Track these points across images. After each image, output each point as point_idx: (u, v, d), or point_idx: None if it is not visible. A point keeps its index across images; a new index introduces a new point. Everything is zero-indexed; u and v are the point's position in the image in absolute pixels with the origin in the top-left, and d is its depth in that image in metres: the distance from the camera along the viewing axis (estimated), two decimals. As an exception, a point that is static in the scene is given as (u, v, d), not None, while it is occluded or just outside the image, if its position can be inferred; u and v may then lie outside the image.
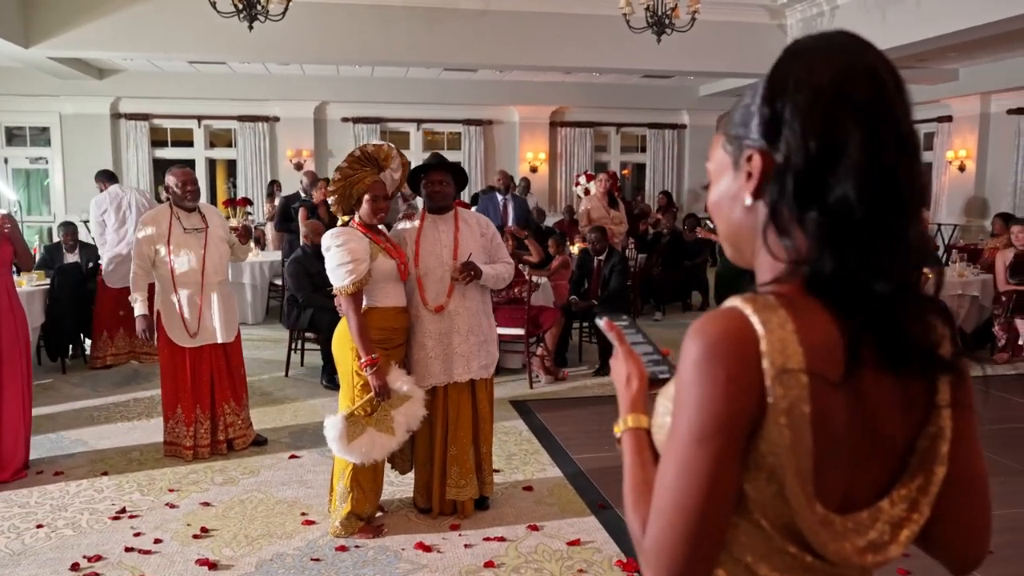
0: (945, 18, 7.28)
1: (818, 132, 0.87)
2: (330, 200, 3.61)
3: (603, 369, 6.59)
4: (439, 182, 3.72)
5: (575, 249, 8.42)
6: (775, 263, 0.91)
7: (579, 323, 7.11)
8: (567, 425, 5.26)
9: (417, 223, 3.76)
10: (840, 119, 0.86)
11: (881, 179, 0.86)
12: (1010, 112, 11.71)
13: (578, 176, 10.91)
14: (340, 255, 3.42)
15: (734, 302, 0.89)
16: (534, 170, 13.61)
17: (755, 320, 0.86)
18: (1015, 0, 6.54)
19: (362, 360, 3.43)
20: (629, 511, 0.98)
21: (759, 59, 9.73)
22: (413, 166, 3.81)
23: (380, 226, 3.66)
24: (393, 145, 3.70)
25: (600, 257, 6.98)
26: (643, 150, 14.61)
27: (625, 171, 14.37)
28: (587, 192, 9.81)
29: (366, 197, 3.52)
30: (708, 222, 12.30)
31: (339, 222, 3.66)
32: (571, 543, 3.54)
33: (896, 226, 0.87)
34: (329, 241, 3.49)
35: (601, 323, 1.21)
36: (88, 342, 6.96)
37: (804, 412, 0.84)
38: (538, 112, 13.72)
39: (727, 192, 0.99)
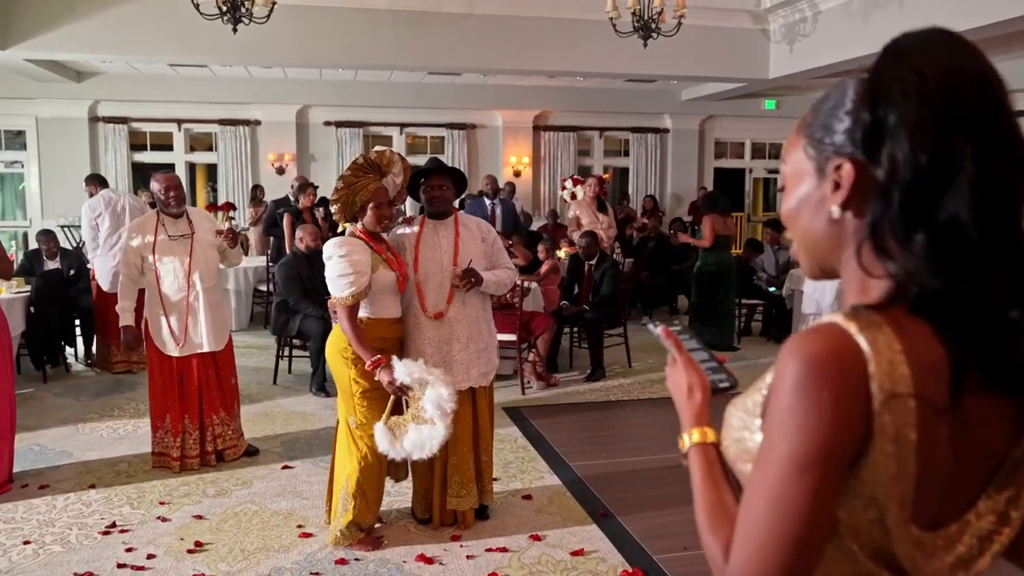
0: (928, 23, 7.32)
1: (929, 146, 0.81)
2: (333, 208, 3.54)
3: (596, 373, 6.57)
4: (439, 187, 3.67)
5: (562, 254, 8.40)
6: (866, 279, 0.87)
7: (570, 328, 7.08)
8: (562, 431, 5.22)
9: (417, 228, 3.71)
10: (953, 132, 0.80)
11: (996, 196, 0.81)
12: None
13: (564, 180, 10.89)
14: (342, 266, 3.37)
15: (835, 319, 0.83)
16: (517, 174, 13.58)
17: (861, 339, 0.80)
18: (997, 7, 6.62)
19: (368, 364, 3.36)
20: (705, 532, 0.93)
21: (743, 64, 9.81)
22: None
23: (383, 233, 3.62)
24: (395, 150, 3.65)
25: (591, 262, 6.96)
26: (626, 154, 14.63)
27: (606, 175, 14.37)
28: (573, 196, 9.79)
29: (370, 205, 3.47)
30: (691, 226, 12.33)
31: (340, 229, 3.60)
32: (575, 553, 3.49)
33: (1011, 246, 0.82)
34: (332, 250, 3.43)
35: (657, 331, 1.15)
36: (71, 350, 6.81)
37: (911, 439, 0.80)
38: (521, 116, 13.69)
39: (807, 200, 0.92)
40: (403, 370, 3.36)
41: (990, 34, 7.17)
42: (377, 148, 3.61)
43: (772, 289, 8.33)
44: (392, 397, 3.41)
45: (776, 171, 15.52)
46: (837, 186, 0.88)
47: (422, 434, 3.32)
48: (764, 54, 9.81)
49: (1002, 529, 0.89)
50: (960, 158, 0.80)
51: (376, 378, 3.38)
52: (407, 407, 3.40)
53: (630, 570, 3.35)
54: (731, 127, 14.79)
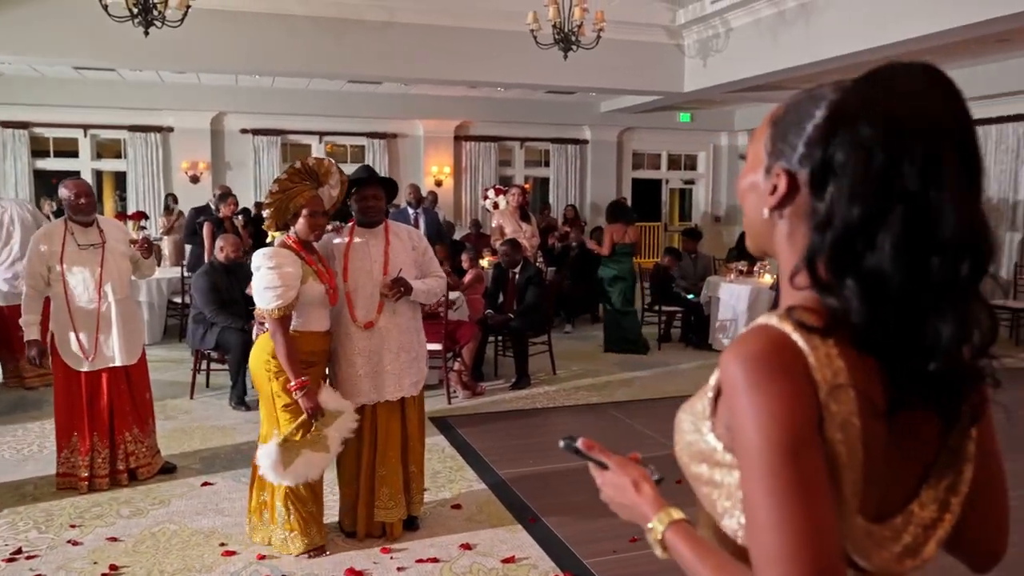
0: (833, 42, 7.71)
1: (865, 201, 0.84)
2: (265, 213, 3.45)
3: (521, 382, 6.60)
4: (372, 196, 3.62)
5: (485, 263, 8.42)
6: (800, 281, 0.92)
7: (495, 337, 7.10)
8: (489, 440, 5.23)
9: (346, 238, 3.65)
10: (888, 193, 0.84)
11: (920, 252, 0.84)
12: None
13: (486, 190, 10.94)
14: (271, 278, 3.28)
15: (769, 320, 0.87)
16: (439, 184, 13.56)
17: (797, 337, 0.84)
18: (898, 27, 7.01)
19: (291, 384, 3.30)
20: None
21: (659, 77, 10.08)
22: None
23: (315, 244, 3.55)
24: (333, 161, 3.60)
25: (515, 270, 6.99)
26: (547, 164, 14.80)
27: (528, 185, 14.51)
28: (496, 207, 9.84)
29: (304, 212, 3.39)
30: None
31: (269, 237, 3.51)
32: (506, 560, 3.50)
33: (942, 303, 0.85)
34: (261, 261, 3.33)
35: (577, 444, 1.13)
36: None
37: (856, 425, 0.83)
38: (442, 126, 13.69)
39: (754, 187, 0.99)
40: (327, 398, 3.37)
41: (897, 52, 7.60)
42: (316, 156, 3.56)
43: (690, 296, 8.55)
44: (301, 419, 3.35)
45: (691, 182, 15.98)
46: (774, 189, 0.94)
47: (310, 462, 3.36)
48: (679, 68, 10.10)
49: (944, 516, 0.94)
50: (887, 217, 0.84)
51: (296, 398, 3.31)
52: (308, 432, 3.36)
53: (561, 575, 3.37)
54: (648, 139, 15.16)
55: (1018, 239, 10.56)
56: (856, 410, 0.84)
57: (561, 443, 1.17)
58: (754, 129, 1.04)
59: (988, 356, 0.91)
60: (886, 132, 0.84)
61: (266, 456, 3.33)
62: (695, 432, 0.97)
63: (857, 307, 0.85)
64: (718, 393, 0.94)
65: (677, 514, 1.00)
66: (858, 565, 0.90)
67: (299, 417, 3.36)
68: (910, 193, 0.84)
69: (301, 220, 3.41)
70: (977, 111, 8.16)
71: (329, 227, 3.73)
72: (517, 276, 6.95)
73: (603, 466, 1.11)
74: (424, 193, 10.95)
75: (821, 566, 0.79)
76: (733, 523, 0.92)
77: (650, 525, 1.01)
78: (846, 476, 0.84)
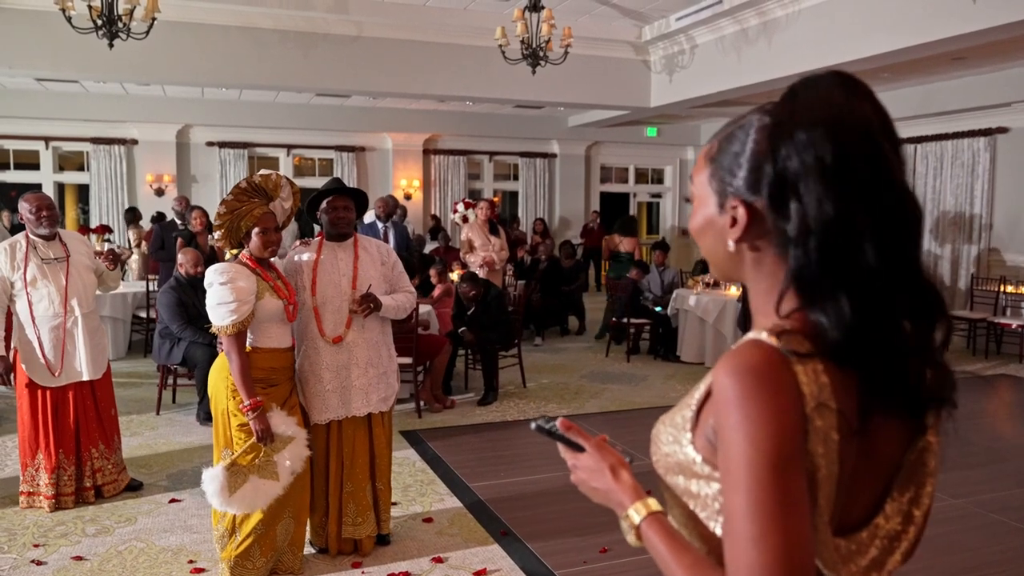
0: (794, 59, 7.89)
1: (833, 201, 0.87)
2: (216, 235, 3.40)
3: (488, 396, 6.61)
4: (343, 208, 3.59)
5: (455, 276, 8.43)
6: (775, 301, 0.93)
7: (464, 351, 7.10)
8: (460, 453, 5.23)
9: (314, 253, 3.64)
10: (849, 187, 0.87)
11: (896, 240, 0.88)
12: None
13: (456, 204, 10.96)
14: (223, 293, 3.22)
15: (759, 336, 0.89)
16: (408, 197, 13.55)
17: (787, 352, 0.86)
18: (857, 45, 7.20)
19: (244, 404, 3.23)
20: None
21: (626, 92, 10.21)
22: (311, 192, 3.69)
23: (272, 259, 3.50)
24: (282, 174, 3.56)
25: (474, 304, 6.89)
26: (516, 178, 14.88)
27: (496, 198, 14.58)
28: (465, 220, 9.86)
29: (255, 230, 3.34)
30: (583, 248, 12.61)
31: (227, 257, 3.46)
32: (477, 573, 3.50)
33: (914, 285, 0.89)
34: (213, 277, 3.27)
35: (554, 424, 1.12)
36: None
37: (835, 440, 0.85)
38: (411, 139, 13.70)
39: (712, 224, 1.01)
40: (279, 422, 3.29)
41: (857, 69, 7.80)
42: (263, 171, 3.51)
43: (658, 308, 8.64)
44: (251, 441, 3.28)
45: (658, 195, 16.16)
46: (734, 222, 0.96)
47: (258, 490, 3.26)
48: (646, 84, 10.24)
49: (908, 528, 0.97)
50: (858, 210, 0.88)
51: (248, 419, 3.24)
52: (257, 456, 3.29)
53: (533, 587, 3.39)
54: (616, 153, 15.31)
55: (974, 252, 10.83)
56: (835, 425, 0.86)
57: (533, 425, 1.15)
58: (693, 169, 1.06)
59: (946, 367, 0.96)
60: (826, 131, 0.88)
61: (211, 480, 3.22)
62: (674, 444, 0.98)
63: (847, 315, 0.87)
64: (702, 405, 0.95)
65: (655, 505, 1.01)
66: None
67: (251, 439, 3.29)
68: (867, 181, 0.88)
69: (253, 238, 3.35)
70: (933, 127, 8.45)
71: (297, 242, 3.70)
72: (479, 304, 6.90)
73: (578, 448, 1.10)
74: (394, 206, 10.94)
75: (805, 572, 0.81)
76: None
77: (627, 513, 1.02)
78: (823, 490, 0.86)
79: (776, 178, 0.90)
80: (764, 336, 0.88)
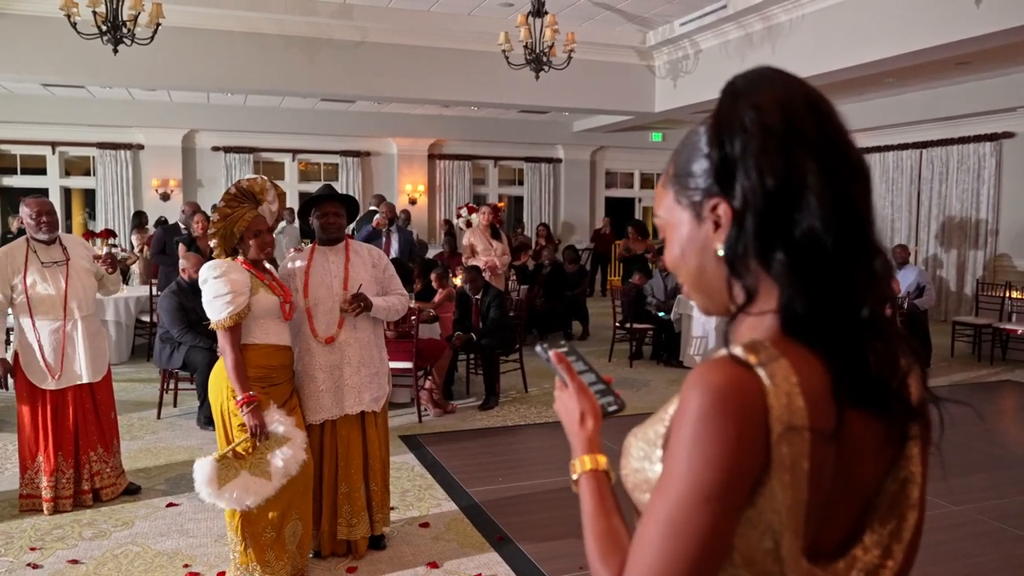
0: (798, 64, 7.87)
1: (775, 169, 0.85)
2: (212, 243, 3.45)
3: (490, 401, 6.60)
4: (333, 213, 3.66)
5: (458, 281, 8.43)
6: (756, 318, 0.90)
7: (466, 355, 7.10)
8: (459, 458, 5.22)
9: (307, 258, 3.68)
10: (795, 153, 0.86)
11: (843, 207, 0.86)
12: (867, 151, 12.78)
13: (460, 208, 10.98)
14: (218, 286, 3.28)
15: (735, 351, 0.85)
16: (413, 202, 13.59)
17: (761, 372, 0.82)
18: (861, 50, 7.18)
19: (238, 398, 3.25)
20: (595, 560, 0.94)
21: (630, 97, 10.21)
22: (296, 197, 3.71)
23: (267, 265, 3.56)
24: (266, 177, 3.60)
25: (477, 296, 6.97)
26: (520, 183, 14.90)
27: (501, 203, 14.60)
28: (468, 224, 9.88)
29: (250, 235, 3.40)
30: (591, 253, 12.62)
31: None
32: (472, 578, 3.50)
33: (863, 254, 0.87)
34: (207, 273, 3.34)
35: (548, 354, 1.14)
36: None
37: (804, 469, 0.82)
38: (416, 144, 13.74)
39: (691, 243, 0.95)
40: (275, 420, 3.30)
41: (862, 74, 7.79)
42: (248, 176, 3.56)
43: (661, 314, 8.62)
44: (246, 436, 3.28)
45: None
46: (717, 226, 0.91)
47: (248, 486, 3.23)
48: (650, 89, 10.24)
49: (886, 562, 0.93)
50: (804, 176, 0.86)
51: (242, 414, 3.26)
52: (249, 452, 3.29)
53: (527, 593, 3.37)
54: (621, 158, 15.32)
55: (980, 257, 10.77)
56: (807, 452, 0.83)
57: (537, 348, 1.20)
58: (654, 204, 1.04)
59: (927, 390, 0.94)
60: (768, 107, 0.87)
61: (200, 470, 3.20)
62: (643, 460, 0.95)
63: (790, 284, 0.85)
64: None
65: (603, 464, 1.03)
66: None
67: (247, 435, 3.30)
68: (815, 147, 0.86)
69: (249, 242, 3.41)
70: (939, 132, 8.43)
71: (291, 250, 3.73)
72: (480, 300, 6.95)
73: (565, 383, 1.13)
74: (398, 211, 10.98)
75: None
76: None
77: (573, 462, 1.05)
78: (790, 519, 0.83)
79: (721, 159, 0.89)
80: (740, 352, 0.85)
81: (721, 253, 0.91)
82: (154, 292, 7.99)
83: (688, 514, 0.81)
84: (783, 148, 0.86)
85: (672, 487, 0.83)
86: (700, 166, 0.92)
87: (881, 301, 0.89)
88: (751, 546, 0.85)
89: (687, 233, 0.95)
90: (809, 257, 0.85)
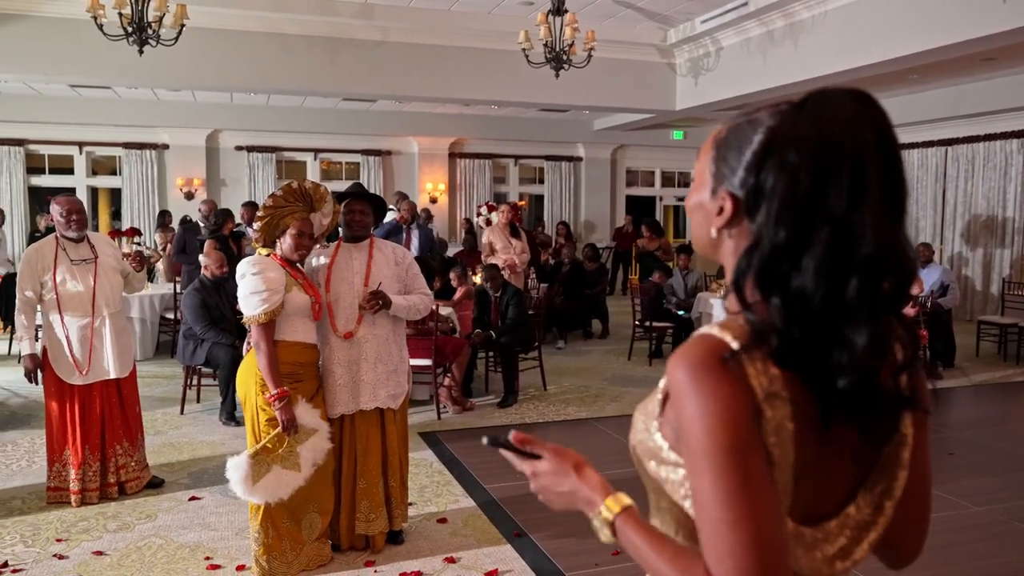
0: (820, 61, 7.82)
1: (791, 225, 0.89)
2: (255, 226, 3.51)
3: (508, 399, 6.62)
4: (360, 211, 3.70)
5: (478, 279, 8.46)
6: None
7: (485, 353, 7.13)
8: (477, 455, 5.24)
9: (331, 255, 3.72)
10: (814, 215, 0.88)
11: (843, 274, 0.87)
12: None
13: (480, 207, 11.01)
14: (255, 283, 3.33)
15: (711, 330, 0.91)
16: (434, 200, 13.64)
17: (735, 345, 0.88)
18: (884, 47, 7.11)
19: (270, 394, 3.32)
20: None
21: (651, 95, 10.18)
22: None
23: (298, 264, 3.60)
24: (329, 189, 3.65)
25: (496, 294, 7.00)
26: (541, 181, 14.90)
27: (522, 202, 14.62)
28: (488, 223, 9.91)
29: (291, 231, 3.45)
30: (611, 251, 12.58)
31: (256, 254, 3.55)
32: (489, 574, 3.52)
33: (857, 320, 0.88)
34: (245, 268, 3.40)
35: (509, 438, 1.11)
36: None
37: (790, 428, 0.87)
38: (437, 143, 13.79)
39: (702, 206, 1.03)
40: (303, 413, 3.36)
41: (885, 71, 7.71)
42: (313, 180, 3.59)
43: (681, 312, 8.60)
44: (277, 431, 3.35)
45: (685, 198, 16.06)
46: (720, 211, 0.98)
47: (280, 480, 3.32)
48: (671, 87, 10.20)
49: (877, 518, 0.98)
50: (812, 240, 0.88)
51: (274, 409, 3.32)
52: (280, 446, 3.36)
53: (543, 588, 3.39)
54: (642, 156, 15.27)
55: (1007, 256, 10.62)
56: (790, 415, 0.88)
57: (484, 440, 1.14)
58: (700, 148, 1.08)
59: (923, 378, 0.96)
60: (813, 157, 0.88)
61: (235, 468, 3.30)
62: (645, 431, 1.02)
63: (779, 326, 0.89)
64: (666, 396, 0.98)
65: (627, 500, 1.01)
66: None
67: (278, 431, 3.37)
68: (835, 216, 0.88)
69: (287, 238, 3.46)
70: (964, 129, 8.32)
71: (317, 246, 3.77)
72: (499, 298, 6.98)
73: (535, 457, 1.09)
74: (419, 209, 11.03)
75: (770, 558, 0.83)
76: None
77: (599, 510, 1.01)
78: (777, 478, 0.88)
79: (755, 186, 0.93)
80: (716, 331, 0.91)
81: (713, 235, 1.00)
82: (178, 290, 8.11)
83: (732, 476, 0.85)
84: (805, 207, 0.89)
85: (705, 463, 0.86)
86: (738, 164, 0.96)
87: (874, 360, 0.90)
88: None
89: (703, 197, 1.03)
90: (796, 307, 0.89)
